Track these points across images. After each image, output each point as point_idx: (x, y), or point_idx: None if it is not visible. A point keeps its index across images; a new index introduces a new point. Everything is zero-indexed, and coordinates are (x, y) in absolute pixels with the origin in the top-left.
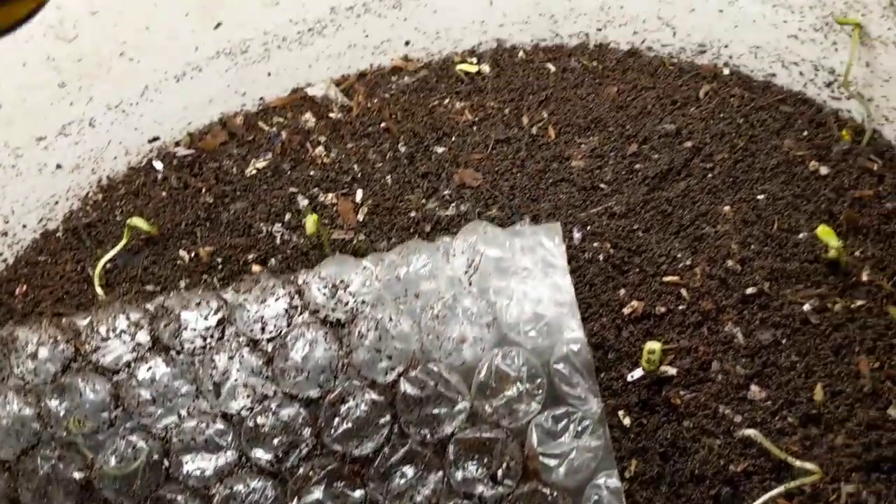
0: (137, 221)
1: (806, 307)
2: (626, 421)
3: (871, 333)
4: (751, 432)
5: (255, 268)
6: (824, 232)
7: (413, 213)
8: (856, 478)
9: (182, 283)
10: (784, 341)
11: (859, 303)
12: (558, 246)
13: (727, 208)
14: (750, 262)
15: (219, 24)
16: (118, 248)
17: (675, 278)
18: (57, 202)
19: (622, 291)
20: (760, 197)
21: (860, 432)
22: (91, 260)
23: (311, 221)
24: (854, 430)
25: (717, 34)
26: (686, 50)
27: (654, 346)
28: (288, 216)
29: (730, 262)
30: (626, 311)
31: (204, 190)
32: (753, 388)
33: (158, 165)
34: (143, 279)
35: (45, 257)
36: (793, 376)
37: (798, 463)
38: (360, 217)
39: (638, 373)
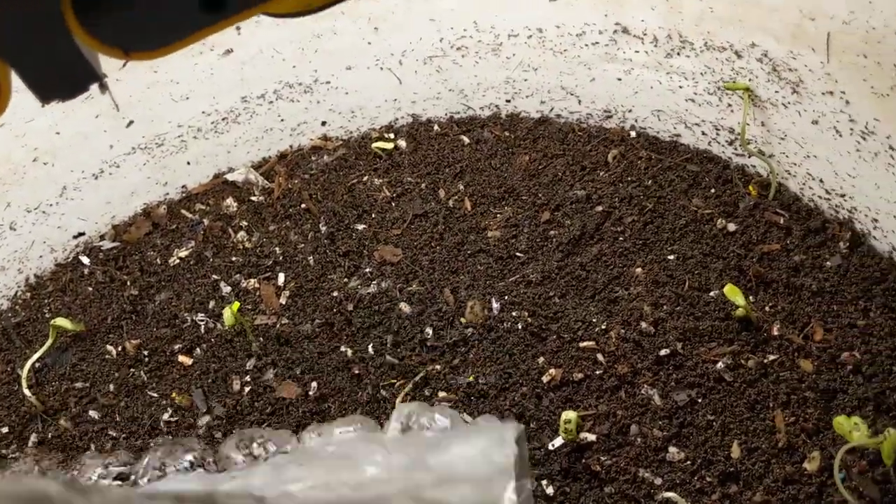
0: (61, 321)
1: (720, 365)
2: (550, 490)
3: (785, 387)
4: (670, 495)
5: (182, 358)
6: (731, 291)
7: (335, 293)
8: None
9: (111, 383)
10: (700, 400)
11: (772, 357)
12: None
13: (639, 270)
14: (663, 323)
15: (131, 122)
16: (44, 348)
17: (591, 343)
18: None
19: (541, 359)
20: (671, 257)
21: (778, 488)
22: (21, 360)
23: (228, 313)
24: (771, 486)
25: (619, 100)
26: (593, 115)
27: (569, 415)
28: (212, 304)
29: (643, 325)
30: (545, 379)
31: (129, 283)
32: (672, 449)
33: (85, 260)
34: (71, 377)
35: None
36: (710, 435)
37: None
38: (283, 300)
39: (558, 441)
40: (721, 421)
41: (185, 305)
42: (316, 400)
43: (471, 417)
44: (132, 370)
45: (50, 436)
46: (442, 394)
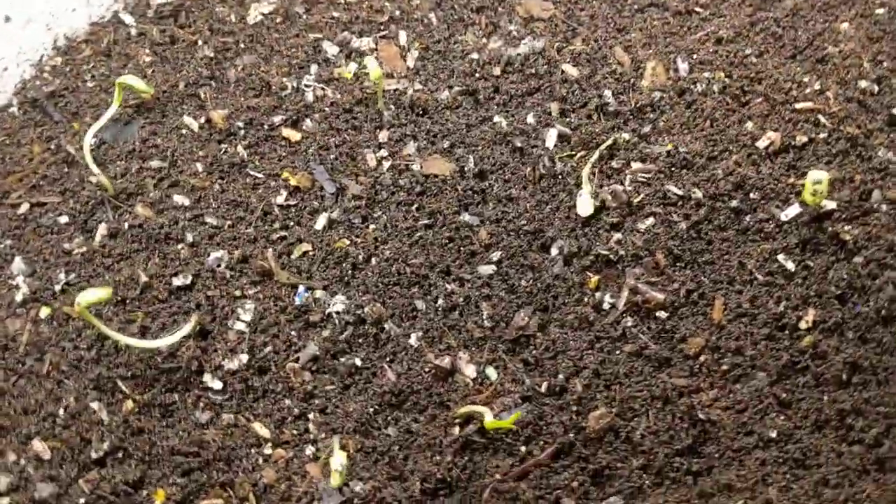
0: (130, 80)
1: None
2: (790, 265)
3: None
4: None
5: (288, 132)
6: None
7: (474, 55)
8: None
9: (197, 162)
10: None
11: None
12: None
13: (845, 25)
14: (887, 81)
15: None
16: (107, 116)
17: (808, 104)
18: (6, 68)
19: (749, 124)
20: (880, 11)
21: None
22: (67, 135)
23: (374, 66)
24: None
25: None
26: None
27: (819, 175)
28: (315, 68)
29: (863, 83)
30: (761, 144)
31: (200, 43)
32: None
33: (128, 19)
34: (143, 154)
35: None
36: None
37: None
38: (410, 63)
39: (793, 210)
40: None
41: (278, 70)
42: (475, 177)
43: (677, 189)
44: (223, 146)
45: (126, 226)
46: (636, 164)
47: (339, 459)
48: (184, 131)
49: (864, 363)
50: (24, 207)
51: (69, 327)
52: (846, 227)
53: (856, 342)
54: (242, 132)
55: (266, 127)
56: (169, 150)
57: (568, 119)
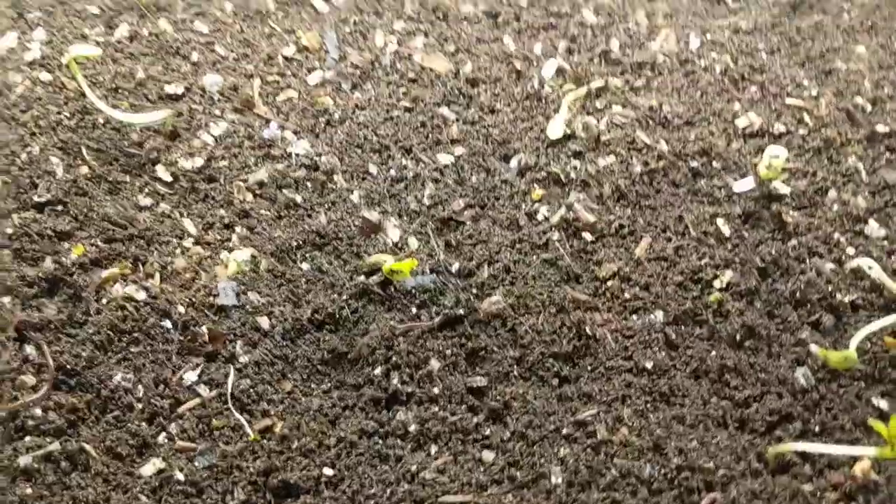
0: None
1: None
2: (726, 230)
3: None
4: (866, 262)
5: (318, 2)
6: None
7: None
8: None
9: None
10: None
11: None
12: None
13: (861, 49)
14: (882, 103)
15: None
16: None
17: (798, 102)
18: None
19: (737, 105)
20: None
21: None
22: None
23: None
24: None
25: None
26: None
27: (777, 150)
28: None
29: (859, 99)
30: (740, 123)
31: None
32: (872, 223)
33: None
34: None
35: None
36: None
37: None
38: None
39: (747, 184)
40: None
41: None
42: (467, 81)
43: (647, 138)
44: None
45: (146, 32)
46: (617, 108)
47: (242, 255)
48: None
49: (762, 331)
50: None
51: (61, 95)
52: (792, 213)
53: (762, 312)
54: None
55: None
56: None
57: (572, 56)
